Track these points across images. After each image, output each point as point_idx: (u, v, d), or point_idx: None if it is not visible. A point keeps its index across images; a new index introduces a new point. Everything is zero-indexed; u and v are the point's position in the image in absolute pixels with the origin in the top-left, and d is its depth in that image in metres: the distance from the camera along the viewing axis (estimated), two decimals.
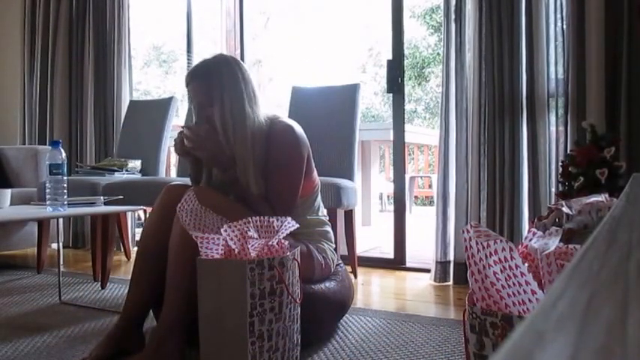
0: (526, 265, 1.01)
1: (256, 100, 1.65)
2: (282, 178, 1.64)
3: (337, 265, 1.86)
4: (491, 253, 1.02)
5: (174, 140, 1.67)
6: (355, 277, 2.61)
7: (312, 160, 1.77)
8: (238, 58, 2.75)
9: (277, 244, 1.40)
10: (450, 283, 2.56)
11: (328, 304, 1.70)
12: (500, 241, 1.02)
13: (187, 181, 1.83)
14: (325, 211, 1.87)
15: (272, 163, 1.63)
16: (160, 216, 1.63)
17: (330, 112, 2.68)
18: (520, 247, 1.23)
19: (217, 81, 1.61)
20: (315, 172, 1.80)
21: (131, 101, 3.63)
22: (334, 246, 1.82)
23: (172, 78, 10.27)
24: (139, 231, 3.62)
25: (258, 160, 1.62)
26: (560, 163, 2.14)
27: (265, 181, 1.63)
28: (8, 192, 2.21)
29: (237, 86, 1.62)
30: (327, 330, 1.77)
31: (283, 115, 1.75)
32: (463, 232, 1.09)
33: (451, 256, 2.57)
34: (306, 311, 1.52)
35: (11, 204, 2.43)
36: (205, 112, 1.62)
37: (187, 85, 1.67)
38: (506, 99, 2.39)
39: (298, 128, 1.69)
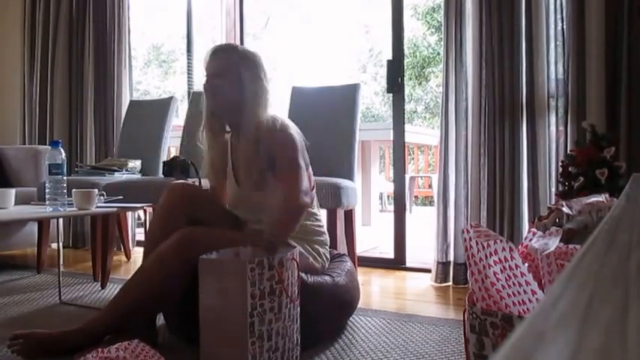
0: (526, 265, 1.01)
1: (266, 98, 1.71)
2: (287, 155, 1.66)
3: (345, 262, 1.89)
4: (491, 253, 1.02)
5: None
6: None
7: (307, 155, 1.79)
8: None
9: None
10: (450, 283, 2.55)
11: (337, 298, 1.72)
12: (500, 241, 1.02)
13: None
14: (320, 211, 1.89)
15: (278, 154, 1.66)
16: (163, 217, 1.64)
17: (330, 112, 2.68)
18: (520, 247, 1.23)
19: (238, 60, 1.69)
20: (310, 169, 1.81)
21: (131, 101, 3.63)
22: (327, 252, 1.84)
23: (172, 78, 10.27)
24: (139, 231, 3.62)
25: (255, 149, 1.65)
26: (560, 163, 2.14)
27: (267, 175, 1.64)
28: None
29: (255, 72, 1.71)
30: (335, 327, 1.78)
31: (282, 116, 1.78)
32: (463, 232, 1.09)
33: (451, 257, 2.56)
34: (315, 303, 1.55)
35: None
36: (214, 82, 1.68)
37: (211, 55, 1.71)
38: (507, 99, 2.39)
39: (292, 124, 1.73)
